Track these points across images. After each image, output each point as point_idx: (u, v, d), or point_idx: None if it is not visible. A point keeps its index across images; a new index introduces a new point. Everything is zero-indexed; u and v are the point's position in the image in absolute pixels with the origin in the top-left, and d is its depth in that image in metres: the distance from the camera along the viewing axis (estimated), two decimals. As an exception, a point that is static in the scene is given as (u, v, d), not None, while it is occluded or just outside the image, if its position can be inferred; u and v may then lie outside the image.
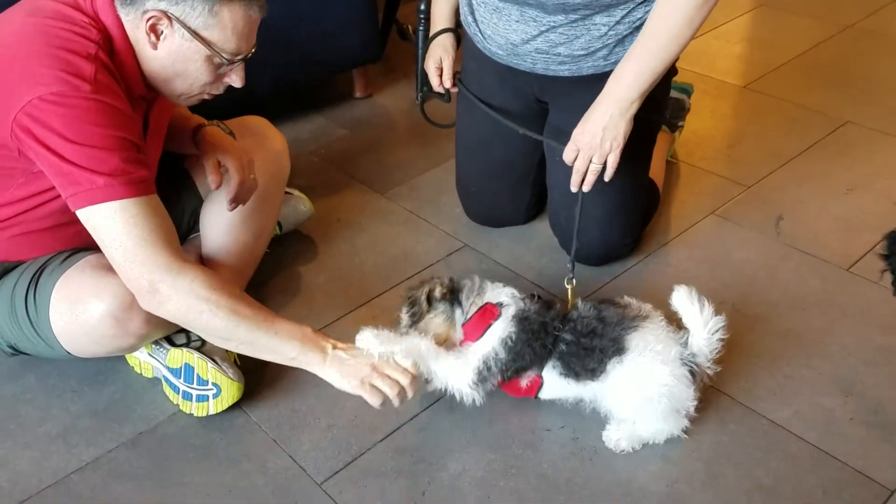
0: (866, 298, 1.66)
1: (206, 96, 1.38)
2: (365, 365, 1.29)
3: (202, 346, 1.46)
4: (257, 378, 1.52)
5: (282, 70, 2.24)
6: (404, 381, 1.28)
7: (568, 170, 1.54)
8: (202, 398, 1.42)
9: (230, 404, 1.43)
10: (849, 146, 2.18)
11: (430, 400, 1.47)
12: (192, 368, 1.41)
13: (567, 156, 1.52)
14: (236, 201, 1.56)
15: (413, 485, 1.31)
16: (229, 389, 1.41)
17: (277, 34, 2.17)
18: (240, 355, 1.53)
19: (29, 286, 1.38)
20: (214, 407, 1.42)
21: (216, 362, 1.42)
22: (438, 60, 1.77)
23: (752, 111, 2.38)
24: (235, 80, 1.36)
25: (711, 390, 1.44)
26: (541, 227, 1.91)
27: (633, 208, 1.75)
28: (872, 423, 1.39)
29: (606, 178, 1.50)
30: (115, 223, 1.22)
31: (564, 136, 1.53)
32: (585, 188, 1.51)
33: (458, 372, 1.33)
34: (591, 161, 1.48)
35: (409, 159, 2.21)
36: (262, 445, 1.39)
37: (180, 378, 1.43)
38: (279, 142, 1.73)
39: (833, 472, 1.31)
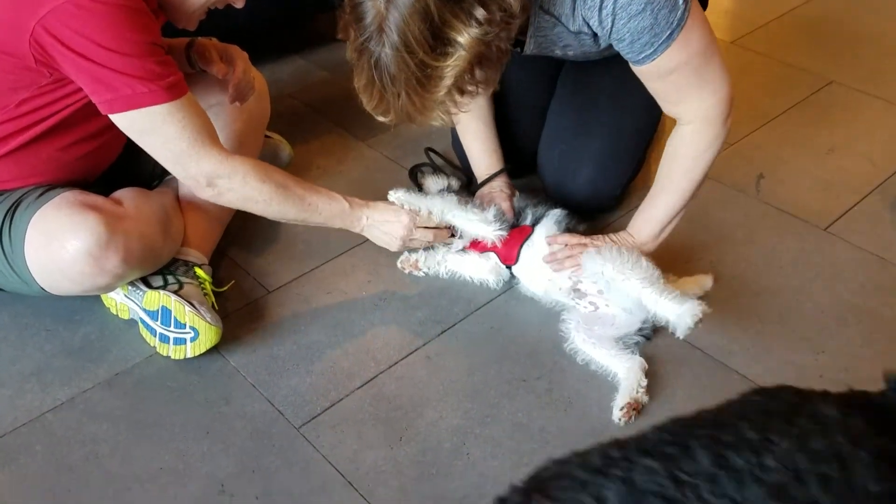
0: (841, 258, 1.68)
1: (202, 16, 1.42)
2: (398, 230, 1.52)
3: (179, 290, 1.44)
4: (235, 323, 1.52)
5: (258, 7, 2.17)
6: (433, 236, 1.58)
7: (572, 103, 1.65)
8: (179, 341, 1.41)
9: (208, 348, 1.42)
10: (832, 106, 2.19)
11: (409, 349, 1.47)
12: (170, 311, 1.40)
13: (585, 256, 1.50)
14: (238, 91, 1.58)
15: (390, 430, 1.33)
16: (207, 333, 1.41)
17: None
18: (218, 301, 1.52)
19: (3, 220, 1.36)
20: (192, 350, 1.41)
21: (194, 306, 1.41)
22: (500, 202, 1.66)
23: (738, 68, 2.37)
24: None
25: (685, 345, 1.46)
26: (528, 179, 1.89)
27: (630, 152, 1.72)
28: (842, 380, 1.41)
29: None
30: (165, 126, 1.28)
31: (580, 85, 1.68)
32: (556, 266, 1.53)
33: (479, 219, 1.57)
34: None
35: (392, 106, 2.18)
36: (240, 389, 1.40)
37: (157, 321, 1.42)
38: (259, 83, 1.70)
39: (800, 426, 1.34)
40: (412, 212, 1.54)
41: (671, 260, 1.56)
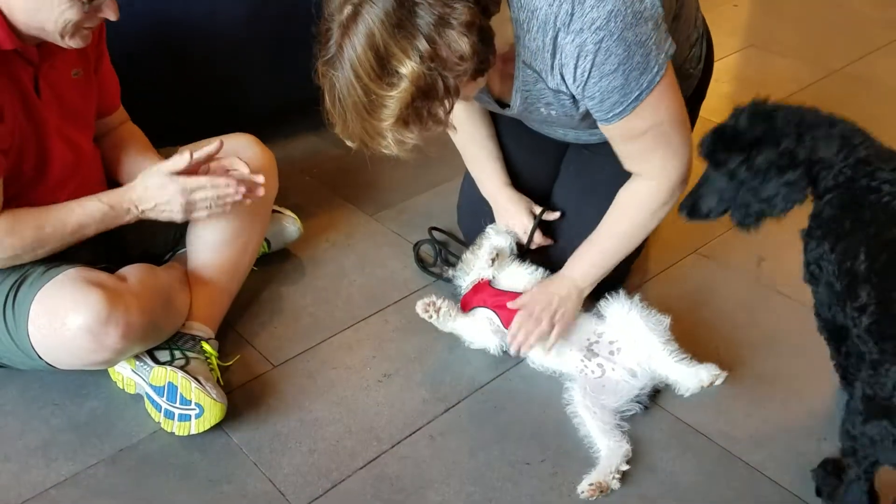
0: (842, 344, 1.69)
1: (86, 32, 1.37)
2: (177, 195, 1.43)
3: (186, 365, 1.46)
4: (240, 398, 1.53)
5: (275, 90, 2.25)
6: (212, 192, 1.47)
7: (574, 187, 1.70)
8: (184, 417, 1.42)
9: (212, 425, 1.43)
10: (831, 190, 2.22)
11: (412, 428, 1.48)
12: (176, 387, 1.42)
13: (513, 325, 1.56)
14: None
15: (392, 514, 1.32)
16: (212, 410, 1.42)
17: (270, 53, 2.20)
18: (223, 375, 1.53)
19: (7, 296, 1.38)
20: (196, 427, 1.42)
21: (200, 382, 1.42)
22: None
23: (738, 150, 2.42)
24: (109, 13, 1.36)
25: (690, 431, 1.47)
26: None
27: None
28: (844, 469, 1.41)
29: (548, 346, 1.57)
30: None
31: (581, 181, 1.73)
32: (524, 349, 1.56)
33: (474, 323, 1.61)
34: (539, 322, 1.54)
35: (400, 182, 2.23)
36: (242, 468, 1.40)
37: (163, 396, 1.43)
38: (267, 160, 1.73)
39: (804, 516, 1.34)
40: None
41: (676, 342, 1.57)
